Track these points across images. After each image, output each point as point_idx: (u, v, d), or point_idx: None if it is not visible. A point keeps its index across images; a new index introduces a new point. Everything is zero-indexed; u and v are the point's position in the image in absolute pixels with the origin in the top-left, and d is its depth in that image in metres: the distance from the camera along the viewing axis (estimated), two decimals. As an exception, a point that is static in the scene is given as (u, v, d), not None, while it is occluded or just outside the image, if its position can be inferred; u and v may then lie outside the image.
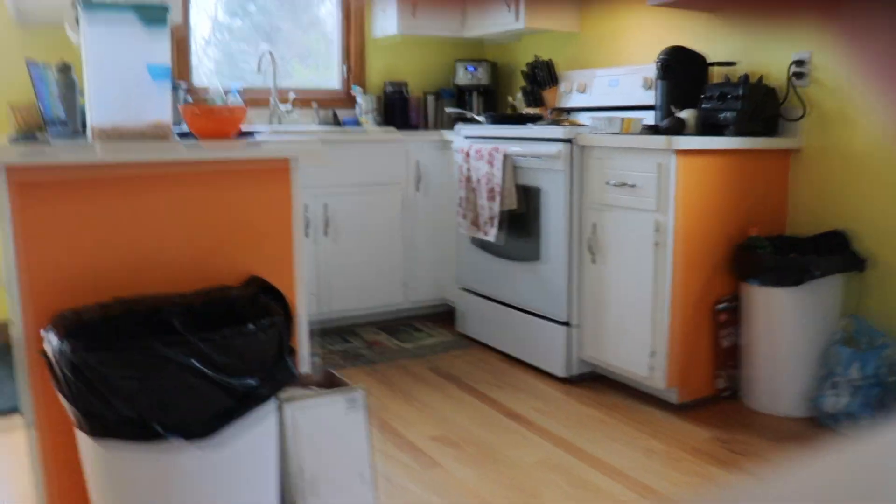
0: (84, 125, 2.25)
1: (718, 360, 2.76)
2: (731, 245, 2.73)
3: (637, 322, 2.70)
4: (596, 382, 3.00)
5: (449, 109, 4.29)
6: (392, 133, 3.71)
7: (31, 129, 3.18)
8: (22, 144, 1.49)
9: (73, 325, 1.49)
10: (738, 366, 2.77)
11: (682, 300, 2.62)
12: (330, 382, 1.90)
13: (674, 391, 2.70)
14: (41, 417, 1.60)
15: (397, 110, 4.26)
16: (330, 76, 4.38)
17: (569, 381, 3.01)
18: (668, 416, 2.65)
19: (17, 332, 1.56)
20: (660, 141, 2.54)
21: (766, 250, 2.66)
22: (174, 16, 3.40)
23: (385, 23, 4.16)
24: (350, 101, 4.32)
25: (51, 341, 1.35)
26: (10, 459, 2.31)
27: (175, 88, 3.43)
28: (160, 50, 1.68)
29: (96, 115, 1.64)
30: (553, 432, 2.53)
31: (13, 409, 2.69)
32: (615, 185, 2.73)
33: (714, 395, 2.78)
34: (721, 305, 2.73)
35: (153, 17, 1.67)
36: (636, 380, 2.79)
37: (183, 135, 1.95)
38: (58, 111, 2.07)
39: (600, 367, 3.00)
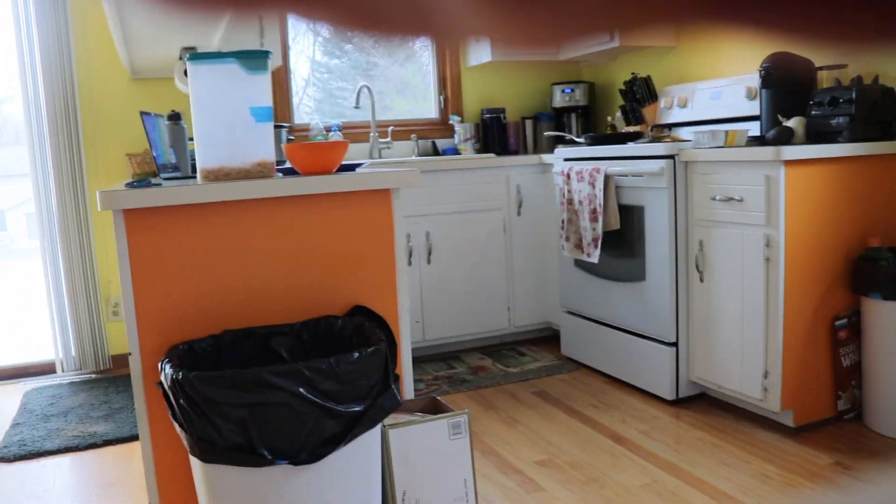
0: (194, 168, 2.39)
1: (839, 380, 2.62)
2: (848, 258, 2.60)
3: (749, 341, 2.60)
4: (705, 404, 2.90)
5: (547, 133, 4.29)
6: (491, 159, 3.74)
7: (146, 175, 3.40)
8: (137, 189, 1.60)
9: (186, 357, 1.58)
10: (862, 386, 2.62)
11: (796, 317, 2.51)
12: (434, 408, 1.93)
13: (790, 413, 2.58)
14: (157, 444, 1.70)
15: (495, 136, 4.29)
16: (427, 107, 4.47)
17: (676, 404, 2.93)
18: (784, 440, 2.53)
19: (135, 364, 1.66)
20: (767, 152, 2.45)
21: (887, 262, 2.51)
22: (274, 60, 3.58)
23: (479, 51, 4.22)
24: (448, 130, 4.39)
25: (166, 372, 1.43)
26: (130, 483, 2.45)
27: (278, 128, 3.58)
28: (262, 93, 1.77)
29: (204, 157, 1.74)
30: (660, 456, 2.46)
31: (132, 437, 2.86)
32: (721, 200, 2.65)
33: (835, 418, 2.64)
34: (840, 322, 2.59)
35: (255, 63, 1.76)
36: (749, 401, 2.68)
37: (287, 171, 2.04)
38: (169, 156, 2.20)
39: (710, 388, 2.90)
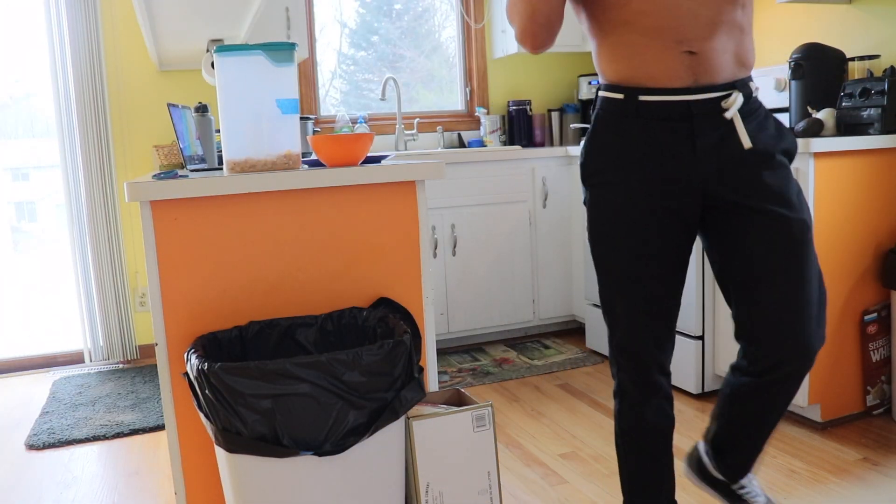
0: (220, 160, 2.41)
1: (868, 374, 2.58)
2: (879, 251, 2.56)
3: (776, 336, 2.57)
4: (734, 399, 2.87)
5: (574, 125, 4.26)
6: (517, 151, 3.73)
7: (173, 166, 3.43)
8: (164, 180, 1.61)
9: (211, 347, 1.60)
10: (891, 381, 2.58)
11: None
12: (458, 400, 1.93)
13: (817, 408, 2.55)
14: (183, 433, 1.71)
15: (521, 128, 4.27)
16: (453, 99, 4.46)
17: (702, 397, 2.90)
18: (811, 435, 2.50)
19: (161, 354, 1.68)
20: (794, 145, 2.42)
21: (918, 256, 2.48)
22: (301, 52, 3.59)
23: (505, 43, 4.20)
24: (474, 122, 4.38)
25: (191, 362, 1.45)
26: (156, 471, 2.48)
27: (304, 120, 3.59)
28: (288, 85, 1.77)
29: (230, 149, 1.75)
30: (684, 449, 2.44)
31: (158, 426, 2.89)
32: (747, 193, 2.62)
33: (863, 413, 2.60)
34: (869, 316, 2.55)
35: (281, 55, 1.76)
36: (777, 396, 2.65)
37: (313, 163, 2.05)
38: (196, 148, 2.22)
39: (738, 383, 2.87)
